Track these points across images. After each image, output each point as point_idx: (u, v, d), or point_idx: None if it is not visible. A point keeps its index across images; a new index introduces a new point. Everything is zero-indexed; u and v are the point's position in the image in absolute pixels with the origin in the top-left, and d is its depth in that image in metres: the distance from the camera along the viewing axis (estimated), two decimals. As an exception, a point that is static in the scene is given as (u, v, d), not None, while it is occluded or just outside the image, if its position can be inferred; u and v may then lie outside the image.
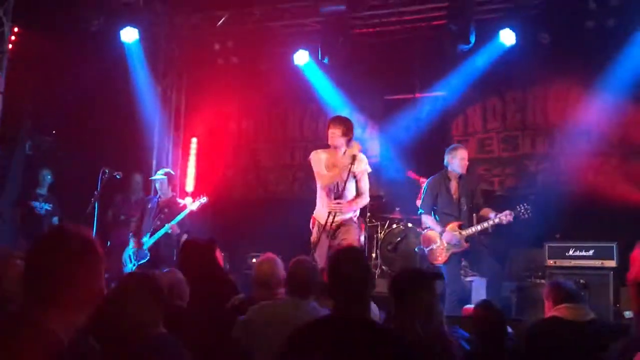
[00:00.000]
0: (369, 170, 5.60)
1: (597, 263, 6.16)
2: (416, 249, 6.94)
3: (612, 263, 6.06)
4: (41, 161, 8.30)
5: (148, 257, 6.59)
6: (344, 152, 5.50)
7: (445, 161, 6.11)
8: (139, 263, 6.60)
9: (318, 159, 5.58)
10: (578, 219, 7.04)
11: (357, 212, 5.64)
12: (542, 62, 7.74)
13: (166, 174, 7.04)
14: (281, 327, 3.00)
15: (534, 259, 7.01)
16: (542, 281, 6.59)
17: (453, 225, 5.94)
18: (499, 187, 8.52)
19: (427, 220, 6.18)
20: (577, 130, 7.86)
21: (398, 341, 2.32)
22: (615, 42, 7.38)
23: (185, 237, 7.75)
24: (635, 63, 7.23)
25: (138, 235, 6.70)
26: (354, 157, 5.29)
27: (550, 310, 3.64)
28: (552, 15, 7.63)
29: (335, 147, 5.50)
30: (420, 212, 6.27)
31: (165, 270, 3.69)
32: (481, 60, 8.04)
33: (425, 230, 6.23)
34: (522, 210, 5.78)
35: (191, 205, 6.65)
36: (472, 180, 6.29)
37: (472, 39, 7.61)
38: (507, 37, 7.76)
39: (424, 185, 6.40)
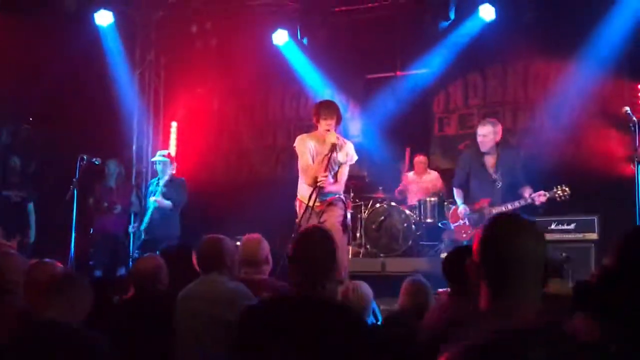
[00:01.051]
0: (352, 162, 5.40)
1: (578, 236, 6.24)
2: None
3: (593, 236, 6.14)
4: (19, 149, 8.15)
5: (143, 238, 6.76)
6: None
7: None
8: (138, 245, 6.83)
9: (304, 147, 5.32)
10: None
11: (341, 193, 5.48)
12: (521, 37, 7.72)
13: (167, 155, 7.16)
14: (186, 302, 3.23)
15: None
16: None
17: (482, 202, 5.78)
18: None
19: (455, 194, 6.05)
20: (558, 104, 7.88)
21: (355, 318, 2.45)
22: (594, 15, 7.37)
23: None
24: (615, 35, 7.25)
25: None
26: (333, 146, 5.11)
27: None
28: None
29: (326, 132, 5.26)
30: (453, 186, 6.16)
31: (145, 255, 3.70)
32: (461, 36, 8.01)
33: (454, 206, 6.11)
34: (559, 192, 5.49)
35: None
36: (512, 155, 5.91)
37: (452, 15, 7.59)
38: (487, 12, 7.74)
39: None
